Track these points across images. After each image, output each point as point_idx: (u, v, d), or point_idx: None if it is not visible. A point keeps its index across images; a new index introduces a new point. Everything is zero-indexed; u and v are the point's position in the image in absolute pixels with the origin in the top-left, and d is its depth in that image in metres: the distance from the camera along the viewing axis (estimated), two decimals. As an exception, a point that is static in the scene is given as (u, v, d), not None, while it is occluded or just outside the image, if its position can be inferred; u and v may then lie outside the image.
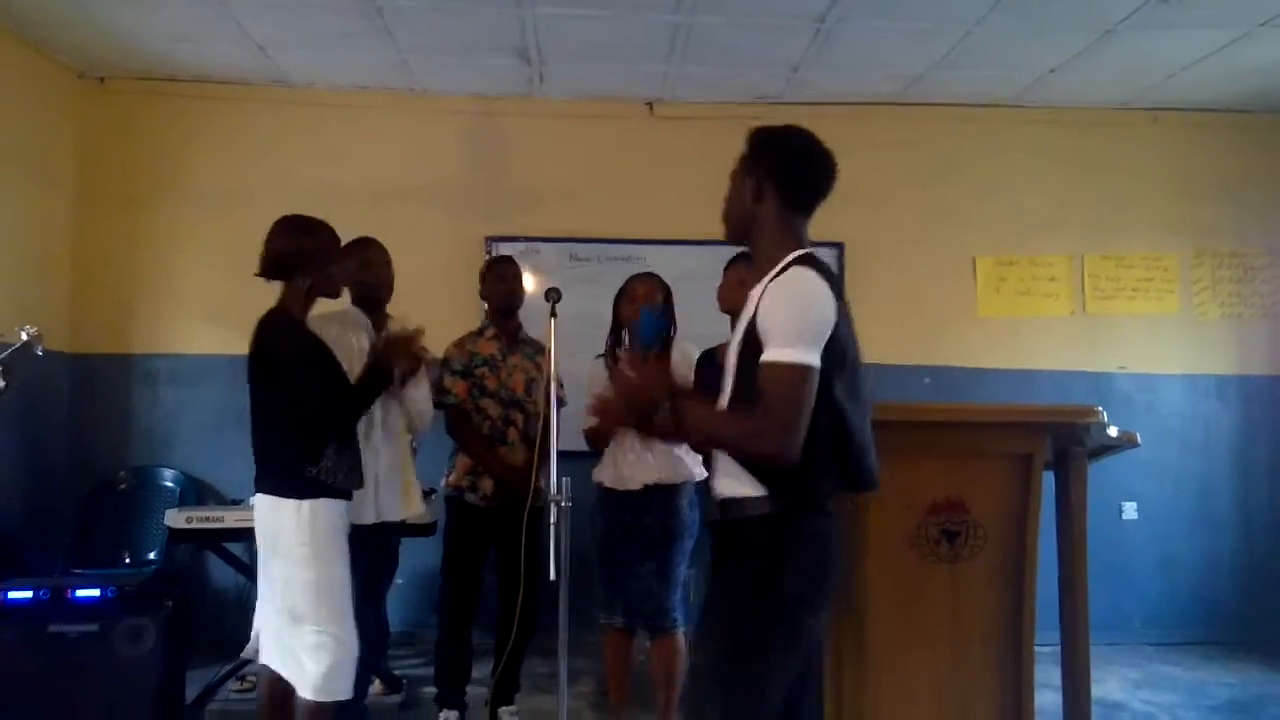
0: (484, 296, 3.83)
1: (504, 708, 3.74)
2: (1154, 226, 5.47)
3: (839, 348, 1.95)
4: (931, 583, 2.29)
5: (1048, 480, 2.41)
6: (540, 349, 3.76)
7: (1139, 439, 2.56)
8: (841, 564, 2.00)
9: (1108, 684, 4.38)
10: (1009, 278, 5.45)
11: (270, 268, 2.70)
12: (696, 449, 2.16)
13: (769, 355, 1.91)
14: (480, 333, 3.75)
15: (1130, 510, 5.32)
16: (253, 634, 2.93)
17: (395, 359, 2.83)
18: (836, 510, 2.01)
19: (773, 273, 2.00)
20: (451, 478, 3.72)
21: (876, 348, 5.13)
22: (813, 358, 1.90)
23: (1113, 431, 2.41)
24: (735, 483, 2.01)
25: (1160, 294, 5.47)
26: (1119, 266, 5.47)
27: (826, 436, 1.94)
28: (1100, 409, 2.29)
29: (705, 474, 3.38)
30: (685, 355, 3.45)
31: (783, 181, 2.06)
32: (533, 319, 3.80)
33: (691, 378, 3.30)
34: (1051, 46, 4.61)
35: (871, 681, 2.26)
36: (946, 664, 2.30)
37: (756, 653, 1.94)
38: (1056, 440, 2.39)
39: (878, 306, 5.34)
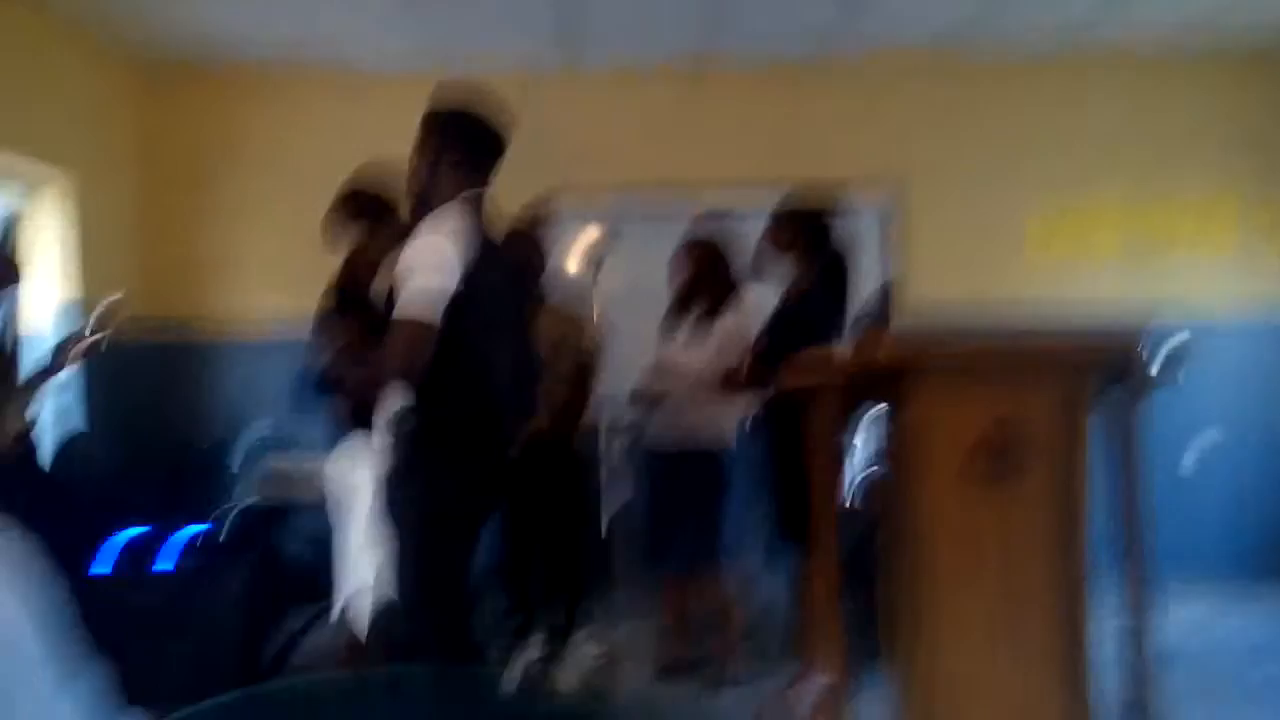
0: None
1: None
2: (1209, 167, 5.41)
3: (458, 293, 2.28)
4: (981, 513, 2.31)
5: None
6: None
7: (1181, 377, 2.53)
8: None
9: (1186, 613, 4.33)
10: (1060, 229, 5.42)
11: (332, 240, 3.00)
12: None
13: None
14: None
15: (1200, 445, 5.26)
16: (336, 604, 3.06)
17: None
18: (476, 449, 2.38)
19: None
20: None
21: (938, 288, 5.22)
22: (416, 308, 2.25)
23: (1162, 358, 2.41)
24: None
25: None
26: (1170, 211, 5.38)
27: (444, 373, 2.27)
28: (1143, 339, 2.28)
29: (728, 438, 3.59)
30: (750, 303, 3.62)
31: (446, 151, 2.50)
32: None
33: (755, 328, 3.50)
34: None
35: (926, 614, 2.30)
36: (997, 597, 2.33)
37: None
38: (1108, 370, 2.38)
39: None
